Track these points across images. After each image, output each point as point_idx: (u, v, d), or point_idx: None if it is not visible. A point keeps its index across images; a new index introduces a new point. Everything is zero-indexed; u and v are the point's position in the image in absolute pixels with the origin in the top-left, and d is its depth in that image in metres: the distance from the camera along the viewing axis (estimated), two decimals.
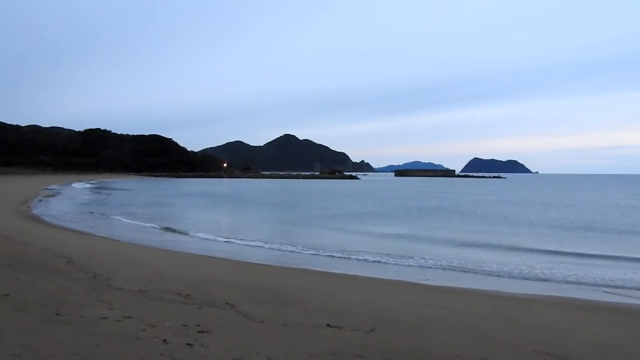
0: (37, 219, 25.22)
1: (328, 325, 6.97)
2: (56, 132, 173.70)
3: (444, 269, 14.62)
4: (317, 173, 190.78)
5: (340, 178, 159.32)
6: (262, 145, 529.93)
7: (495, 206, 43.99)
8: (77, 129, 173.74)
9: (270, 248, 18.19)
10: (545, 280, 13.04)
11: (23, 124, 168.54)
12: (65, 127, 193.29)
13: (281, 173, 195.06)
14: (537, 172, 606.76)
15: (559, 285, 12.49)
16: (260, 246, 18.53)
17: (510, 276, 13.54)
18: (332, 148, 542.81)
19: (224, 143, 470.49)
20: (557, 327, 8.19)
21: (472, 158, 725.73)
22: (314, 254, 16.87)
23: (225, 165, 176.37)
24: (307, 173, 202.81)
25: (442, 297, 10.48)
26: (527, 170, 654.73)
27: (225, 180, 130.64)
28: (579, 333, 7.90)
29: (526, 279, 13.20)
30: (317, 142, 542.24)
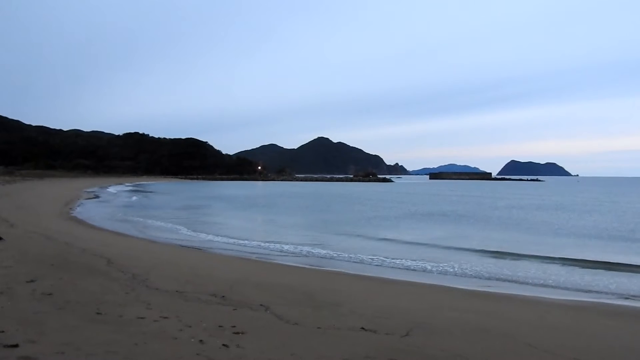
0: (78, 221, 25.98)
1: (362, 328, 6.93)
2: (97, 137, 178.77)
3: (480, 275, 14.32)
4: (351, 176, 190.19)
5: (374, 181, 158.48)
6: (296, 148, 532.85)
7: (534, 211, 42.95)
8: (116, 133, 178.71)
9: (303, 251, 18.20)
10: (587, 291, 12.46)
11: (66, 129, 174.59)
12: (106, 131, 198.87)
13: (315, 176, 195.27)
14: (577, 175, 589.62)
15: (600, 295, 12.05)
16: (293, 249, 18.57)
17: (547, 284, 13.07)
18: (366, 151, 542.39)
19: (258, 146, 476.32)
20: (599, 334, 7.92)
21: (509, 161, 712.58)
22: (349, 258, 16.80)
23: (259, 168, 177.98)
24: (340, 176, 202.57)
25: (479, 302, 10.27)
26: (566, 173, 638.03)
27: (259, 183, 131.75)
28: (621, 340, 7.61)
29: (566, 288, 12.70)
30: (351, 145, 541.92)
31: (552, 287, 12.70)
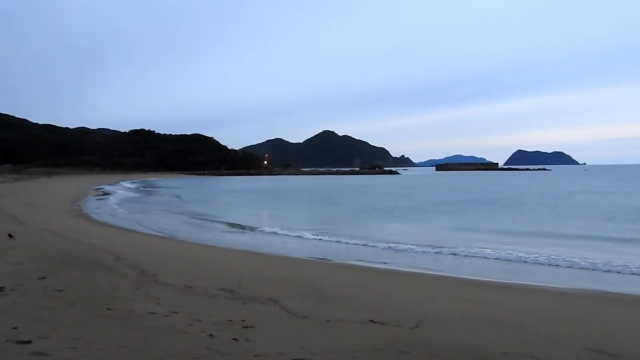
0: (86, 217, 26.12)
1: (371, 321, 6.94)
2: (103, 134, 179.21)
3: (491, 266, 14.30)
4: (357, 169, 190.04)
5: (380, 173, 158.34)
6: (301, 142, 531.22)
7: (545, 199, 42.75)
8: (122, 130, 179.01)
9: (312, 244, 18.22)
10: (592, 269, 12.49)
11: (72, 126, 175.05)
12: (112, 128, 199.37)
13: (321, 169, 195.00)
14: (584, 164, 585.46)
15: (611, 278, 12.03)
16: (302, 242, 18.59)
17: (558, 274, 13.05)
18: (372, 143, 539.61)
19: (263, 140, 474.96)
20: (608, 323, 7.89)
21: (515, 150, 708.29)
22: (357, 250, 16.80)
23: (265, 162, 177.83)
24: (346, 169, 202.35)
25: (488, 293, 10.26)
26: (573, 162, 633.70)
27: (265, 177, 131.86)
28: (631, 330, 7.59)
29: (576, 277, 12.69)
30: (356, 138, 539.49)
31: (563, 276, 12.65)
